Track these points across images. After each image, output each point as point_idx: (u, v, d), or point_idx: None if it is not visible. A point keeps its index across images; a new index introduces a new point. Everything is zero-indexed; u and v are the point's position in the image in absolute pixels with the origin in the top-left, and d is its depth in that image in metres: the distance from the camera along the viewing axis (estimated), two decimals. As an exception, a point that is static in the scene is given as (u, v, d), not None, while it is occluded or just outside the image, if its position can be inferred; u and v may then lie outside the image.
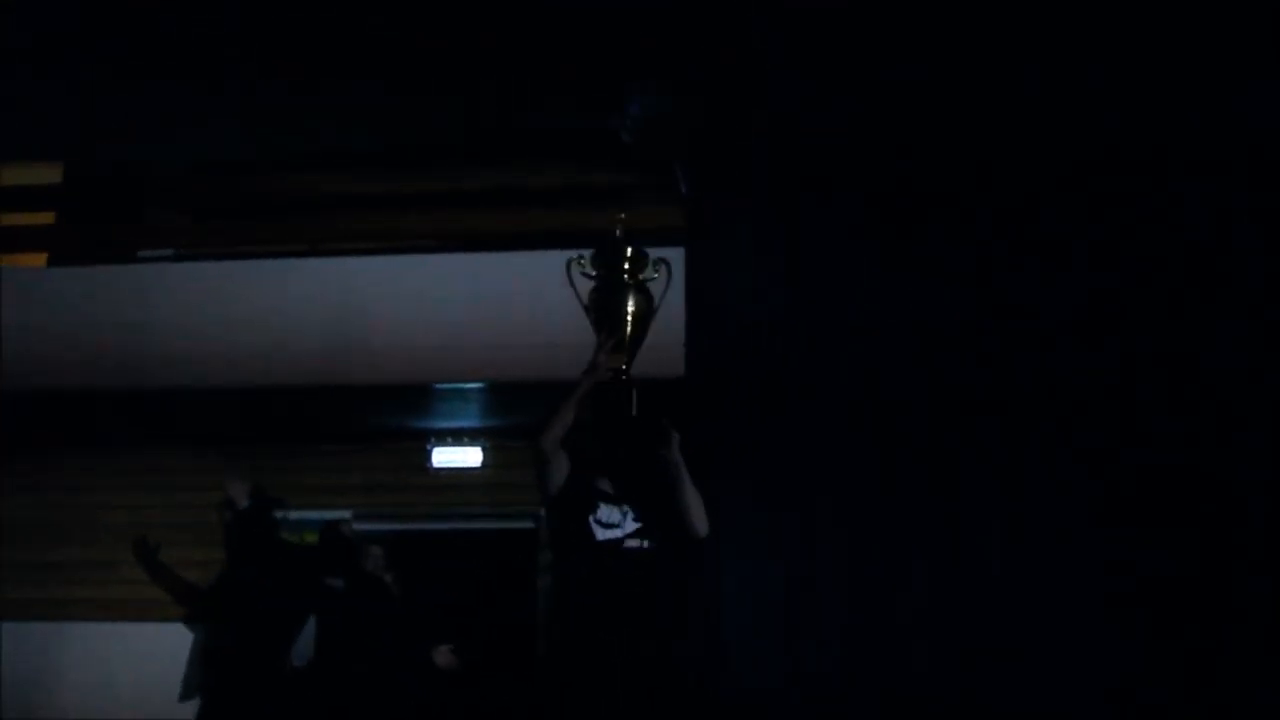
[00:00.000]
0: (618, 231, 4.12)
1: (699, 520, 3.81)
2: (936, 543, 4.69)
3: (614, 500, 3.84)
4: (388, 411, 8.14)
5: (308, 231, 7.61)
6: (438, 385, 7.45)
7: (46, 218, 8.10)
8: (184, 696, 6.52)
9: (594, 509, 3.80)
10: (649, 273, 4.09)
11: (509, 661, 8.45)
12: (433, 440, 8.91)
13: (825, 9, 4.65)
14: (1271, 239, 4.73)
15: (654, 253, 5.88)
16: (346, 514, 8.62)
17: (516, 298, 6.82)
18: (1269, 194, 4.75)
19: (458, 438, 8.89)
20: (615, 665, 3.71)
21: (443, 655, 6.66)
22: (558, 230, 7.10)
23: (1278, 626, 4.44)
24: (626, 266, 4.05)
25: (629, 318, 3.99)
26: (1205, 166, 4.79)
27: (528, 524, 8.74)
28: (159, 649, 7.47)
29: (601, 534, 3.77)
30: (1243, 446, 4.63)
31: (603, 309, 4.01)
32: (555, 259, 6.93)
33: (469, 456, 8.93)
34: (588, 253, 4.12)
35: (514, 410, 8.14)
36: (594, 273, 4.07)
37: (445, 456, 8.92)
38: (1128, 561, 4.63)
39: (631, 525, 3.80)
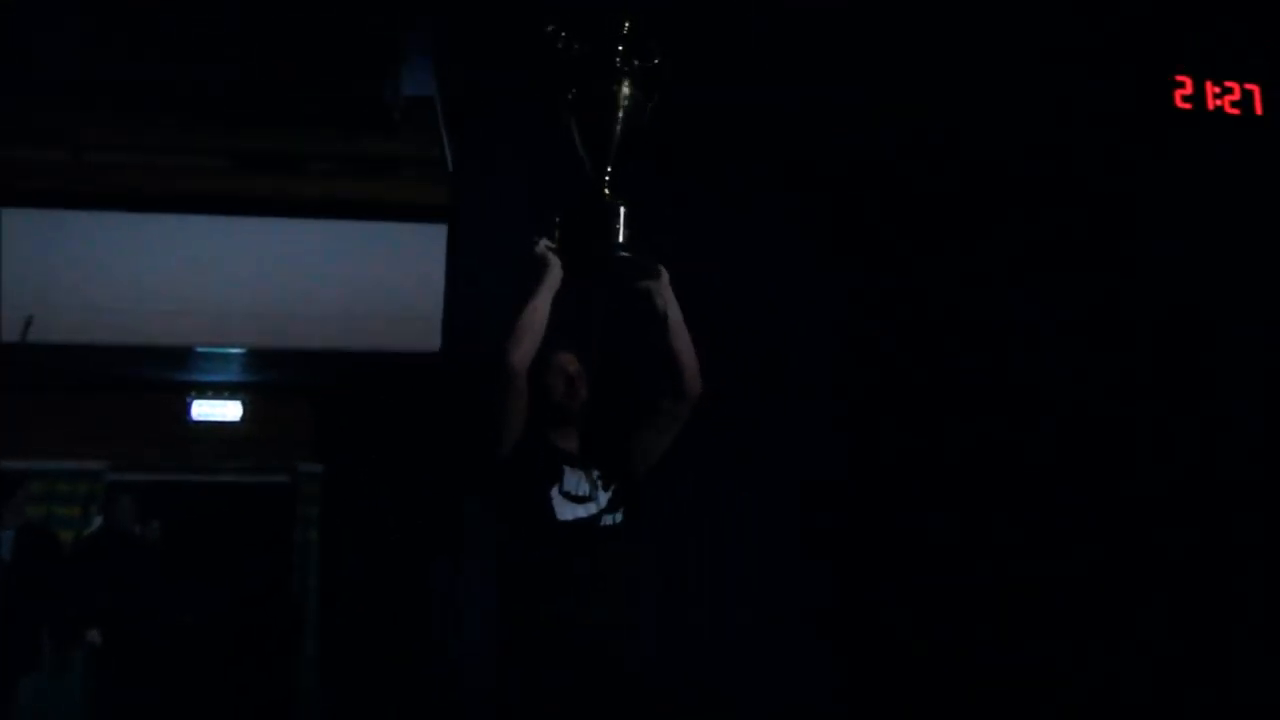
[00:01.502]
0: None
1: (693, 373, 3.19)
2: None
3: (581, 463, 3.16)
4: (147, 365, 8.11)
5: (69, 182, 7.43)
6: (199, 348, 7.48)
7: None
8: None
9: (558, 478, 3.09)
10: (649, 59, 3.12)
11: (264, 612, 8.62)
12: (193, 393, 8.93)
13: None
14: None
15: (418, 228, 6.27)
16: (103, 464, 8.64)
17: (283, 263, 6.91)
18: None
19: (218, 391, 8.94)
20: (586, 672, 2.98)
21: (93, 635, 6.77)
22: (324, 199, 7.18)
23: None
24: (621, 48, 3.10)
25: (619, 116, 3.08)
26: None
27: (283, 478, 8.92)
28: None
29: (568, 512, 3.05)
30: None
31: (586, 101, 3.10)
32: (321, 227, 7.14)
33: (228, 410, 9.01)
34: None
35: (276, 368, 8.27)
36: (576, 47, 3.11)
37: (204, 410, 8.97)
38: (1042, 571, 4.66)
39: (604, 496, 3.12)
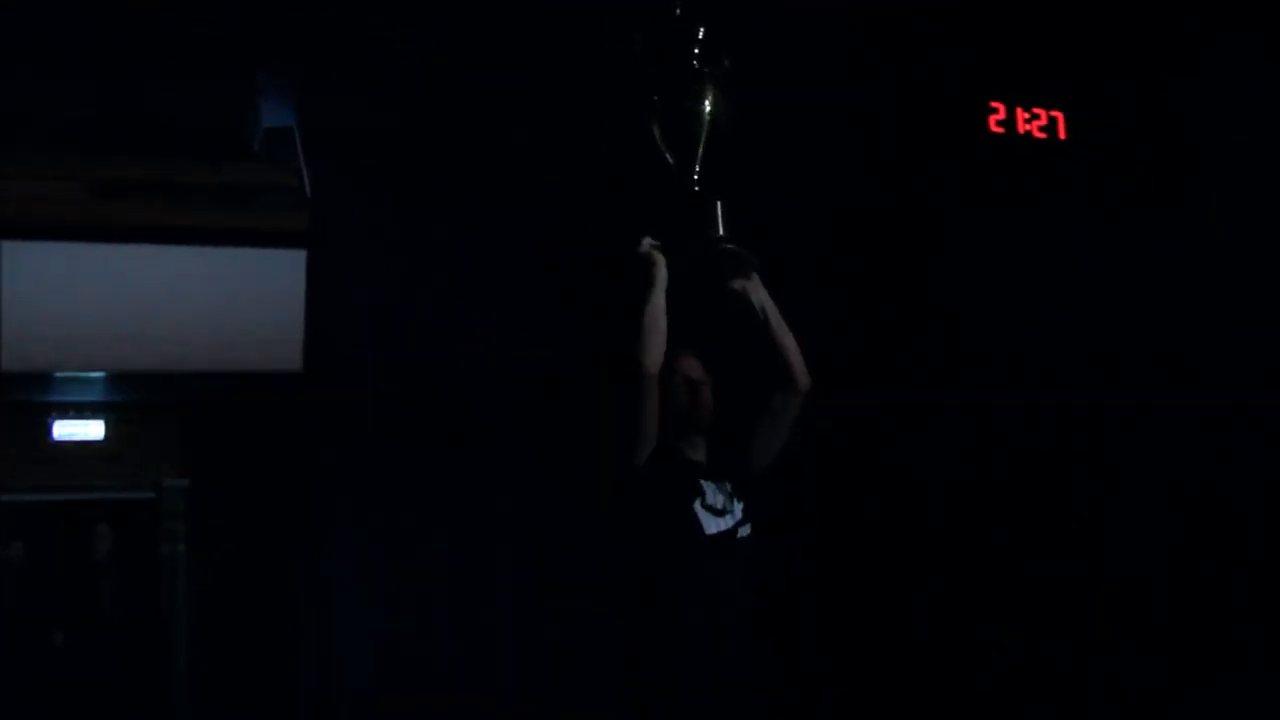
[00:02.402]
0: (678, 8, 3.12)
1: (801, 367, 3.12)
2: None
3: (713, 474, 3.01)
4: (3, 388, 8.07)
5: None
6: (57, 373, 7.47)
7: None
8: None
9: (698, 492, 2.93)
10: (720, 64, 3.14)
11: (135, 623, 8.61)
12: (54, 413, 8.93)
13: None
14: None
15: (279, 253, 6.38)
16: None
17: (147, 288, 6.96)
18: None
19: (80, 411, 8.95)
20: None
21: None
22: (184, 227, 7.22)
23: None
24: (698, 50, 3.11)
25: (706, 114, 3.08)
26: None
27: (149, 494, 8.98)
28: None
29: (712, 525, 2.91)
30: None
31: (671, 103, 3.10)
32: (183, 253, 7.19)
33: (91, 429, 9.02)
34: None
35: (138, 389, 8.30)
36: (647, 61, 3.14)
37: (66, 429, 8.98)
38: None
39: (739, 508, 2.98)
